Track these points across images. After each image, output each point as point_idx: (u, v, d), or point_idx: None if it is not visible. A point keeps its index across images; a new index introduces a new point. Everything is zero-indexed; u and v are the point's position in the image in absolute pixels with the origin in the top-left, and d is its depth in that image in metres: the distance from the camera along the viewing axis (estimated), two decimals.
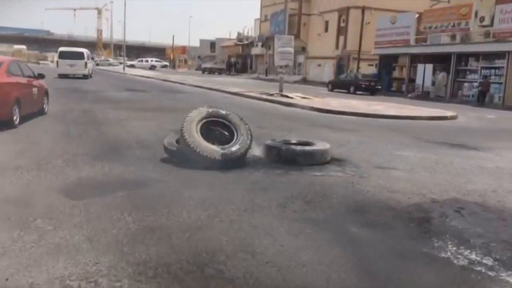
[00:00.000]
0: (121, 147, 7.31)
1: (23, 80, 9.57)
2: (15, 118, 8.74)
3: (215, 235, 3.75)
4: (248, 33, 64.76)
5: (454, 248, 3.64)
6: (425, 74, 29.36)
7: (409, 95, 28.93)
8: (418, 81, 29.94)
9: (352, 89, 29.78)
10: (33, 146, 7.23)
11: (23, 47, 78.49)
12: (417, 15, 31.59)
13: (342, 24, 41.39)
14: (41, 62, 61.65)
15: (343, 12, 40.96)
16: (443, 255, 3.51)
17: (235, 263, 3.24)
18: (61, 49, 31.16)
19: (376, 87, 29.93)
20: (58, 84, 21.92)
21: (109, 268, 3.08)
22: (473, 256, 3.50)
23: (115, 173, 5.72)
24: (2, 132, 8.22)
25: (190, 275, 3.03)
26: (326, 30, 43.86)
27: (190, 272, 3.07)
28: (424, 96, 27.90)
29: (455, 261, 3.41)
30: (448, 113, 16.42)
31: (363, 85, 29.73)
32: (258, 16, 59.45)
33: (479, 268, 3.29)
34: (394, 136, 10.70)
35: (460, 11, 26.61)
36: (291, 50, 22.10)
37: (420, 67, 29.99)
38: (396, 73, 33.38)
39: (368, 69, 36.90)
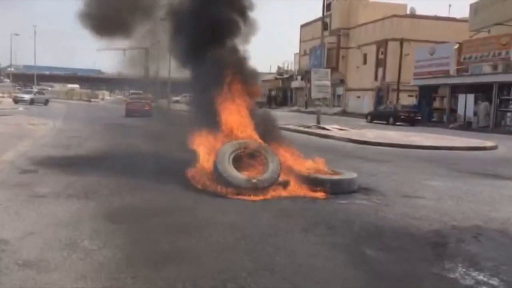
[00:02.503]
0: (161, 177, 7.84)
1: None
2: None
3: (240, 255, 4.13)
4: (288, 67, 65.97)
5: (464, 270, 3.85)
6: (466, 104, 28.95)
7: (451, 125, 28.52)
8: (460, 111, 29.52)
9: (391, 120, 29.73)
10: (80, 178, 7.88)
11: (76, 86, 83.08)
12: (456, 46, 31.47)
13: (381, 56, 41.67)
14: (92, 100, 64.95)
15: (382, 45, 41.31)
16: (451, 276, 3.73)
17: (255, 279, 3.59)
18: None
19: (416, 118, 29.73)
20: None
21: (144, 282, 3.51)
22: (480, 277, 3.70)
23: (155, 201, 6.23)
24: (52, 166, 9.00)
25: None
26: (365, 62, 44.22)
27: (213, 286, 3.45)
28: (466, 127, 27.44)
29: (461, 281, 3.62)
30: (488, 143, 16.21)
31: (402, 116, 29.62)
32: (298, 51, 60.65)
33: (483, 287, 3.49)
34: (427, 166, 10.78)
35: (500, 41, 26.36)
36: (328, 83, 22.56)
37: (461, 97, 29.63)
38: (436, 104, 33.05)
39: (408, 100, 36.75)
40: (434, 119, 32.05)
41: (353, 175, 7.23)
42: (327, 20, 45.61)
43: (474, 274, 3.77)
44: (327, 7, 45.19)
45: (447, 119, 30.53)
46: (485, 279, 3.67)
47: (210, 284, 3.48)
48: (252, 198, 6.30)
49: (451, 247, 4.48)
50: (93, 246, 4.31)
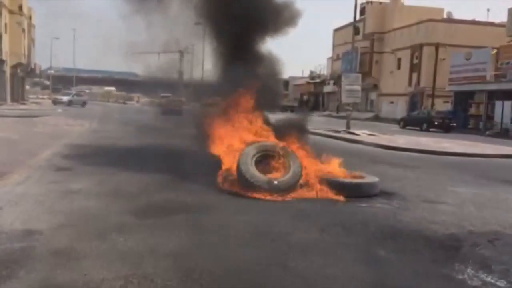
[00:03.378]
0: (187, 177, 8.13)
1: None
2: None
3: (256, 251, 4.33)
4: (320, 71, 65.83)
5: (473, 272, 3.93)
6: (503, 111, 28.21)
7: (487, 132, 27.85)
8: (497, 118, 28.81)
9: (424, 126, 29.24)
10: (111, 177, 8.26)
11: (113, 88, 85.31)
12: (494, 51, 30.72)
13: (415, 61, 41.07)
14: (127, 102, 66.59)
15: (416, 49, 40.73)
16: (460, 277, 3.82)
17: (268, 273, 3.79)
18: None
19: (451, 124, 29.14)
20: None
21: (164, 271, 3.76)
22: (488, 279, 3.77)
23: (180, 199, 6.51)
24: (86, 164, 9.45)
25: (229, 279, 3.63)
26: (399, 67, 43.68)
27: (229, 277, 3.67)
28: (503, 134, 26.73)
29: (469, 282, 3.71)
30: None
31: (436, 122, 29.09)
32: (330, 55, 60.43)
33: None
34: (456, 173, 10.68)
35: None
36: (358, 88, 22.51)
37: (498, 104, 28.91)
38: (472, 110, 32.31)
39: (443, 106, 36.07)
40: (469, 126, 31.37)
41: (375, 179, 7.31)
42: (361, 24, 45.43)
43: (483, 276, 3.84)
44: (361, 11, 45.09)
45: (483, 126, 29.82)
46: (492, 281, 3.74)
47: (224, 275, 3.69)
48: (273, 199, 6.49)
49: (464, 251, 4.54)
50: (119, 238, 4.61)
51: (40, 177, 7.74)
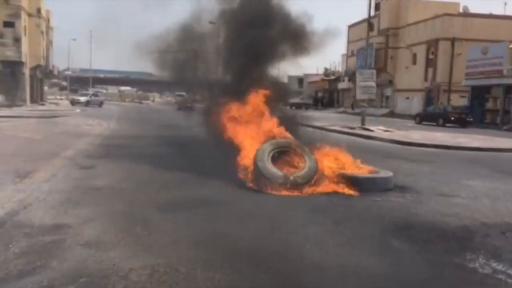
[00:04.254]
0: (205, 174, 8.36)
1: None
2: None
3: (273, 242, 4.53)
4: (335, 68, 65.64)
5: (484, 261, 4.07)
6: None
7: (504, 127, 27.57)
8: None
9: (440, 121, 29.08)
10: (133, 174, 8.55)
11: (128, 88, 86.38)
12: (511, 45, 30.35)
13: (431, 56, 40.74)
14: (143, 101, 67.32)
15: (432, 44, 40.38)
16: (471, 265, 3.97)
17: (285, 262, 3.99)
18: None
19: (467, 119, 28.94)
20: None
21: (187, 261, 3.98)
22: (499, 267, 3.91)
23: (199, 194, 6.75)
24: (108, 163, 9.76)
25: (248, 268, 3.84)
26: (414, 62, 43.34)
27: (247, 266, 3.88)
28: None
29: (480, 270, 3.86)
30: None
31: (452, 118, 28.92)
32: (345, 52, 60.21)
33: (500, 276, 3.72)
34: (470, 167, 10.73)
35: None
36: (373, 84, 22.52)
37: None
38: (489, 105, 32.00)
39: (460, 100, 35.78)
40: (486, 121, 31.07)
41: (389, 173, 7.45)
42: (376, 20, 45.21)
43: (494, 264, 3.98)
44: (376, 6, 44.85)
45: (500, 120, 29.52)
46: (503, 269, 3.87)
47: (244, 265, 3.90)
48: (289, 193, 6.69)
49: (477, 241, 4.67)
50: (143, 231, 4.85)
51: (65, 175, 8.05)
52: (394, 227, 5.19)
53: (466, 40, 36.41)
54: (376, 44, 46.23)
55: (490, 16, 40.09)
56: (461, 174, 9.40)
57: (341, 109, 52.72)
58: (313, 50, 10.20)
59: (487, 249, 4.40)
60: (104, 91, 74.97)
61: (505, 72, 29.84)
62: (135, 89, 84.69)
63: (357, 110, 44.94)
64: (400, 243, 4.60)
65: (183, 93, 34.36)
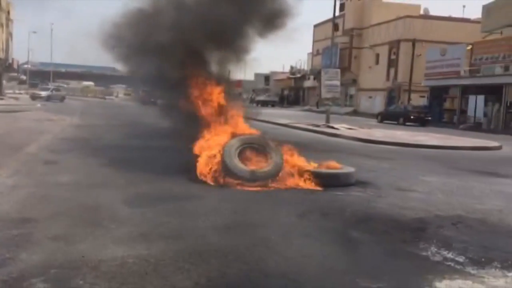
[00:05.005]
0: (172, 170, 8.43)
1: None
2: None
3: (240, 235, 4.71)
4: (301, 66, 66.39)
5: (436, 249, 4.38)
6: (476, 105, 29.17)
7: (461, 126, 28.75)
8: (470, 112, 29.77)
9: (401, 120, 30.02)
10: (99, 169, 8.52)
11: (91, 83, 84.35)
12: (468, 47, 31.63)
13: (393, 57, 41.91)
14: (107, 97, 65.99)
15: (394, 45, 41.54)
16: (423, 253, 4.27)
17: (252, 252, 4.16)
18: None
19: (426, 118, 29.98)
20: None
21: (157, 253, 4.09)
22: (449, 255, 4.22)
23: (167, 189, 6.84)
24: (72, 158, 9.67)
25: (216, 259, 3.99)
26: (377, 62, 44.47)
27: (216, 257, 4.03)
28: (476, 128, 27.65)
29: (431, 258, 4.16)
30: (492, 144, 16.55)
31: (412, 117, 29.89)
32: (311, 50, 61.00)
33: (449, 263, 4.02)
34: (428, 164, 11.23)
35: (510, 43, 26.51)
36: (338, 83, 23.05)
37: (471, 98, 29.86)
38: (447, 105, 33.29)
39: (419, 100, 36.98)
40: (444, 120, 32.31)
41: (351, 169, 7.76)
42: (341, 20, 46.06)
43: (444, 253, 4.29)
44: (341, 7, 45.66)
45: (457, 119, 30.76)
46: (452, 256, 4.19)
47: (212, 255, 4.05)
48: (256, 189, 6.87)
49: (430, 232, 5.00)
50: (112, 225, 4.92)
51: (28, 170, 7.95)
52: (354, 219, 5.47)
53: (426, 41, 37.66)
54: (341, 44, 47.12)
55: (449, 19, 41.58)
56: (419, 170, 9.85)
57: (306, 107, 53.41)
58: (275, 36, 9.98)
59: (439, 239, 4.72)
60: (66, 85, 73.00)
61: (462, 73, 31.11)
62: (93, 84, 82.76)
63: (322, 108, 45.61)
64: (360, 234, 4.87)
65: (147, 89, 34.33)
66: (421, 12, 44.68)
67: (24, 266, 3.70)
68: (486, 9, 31.20)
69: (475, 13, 43.09)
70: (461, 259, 4.14)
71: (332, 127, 21.04)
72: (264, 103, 57.85)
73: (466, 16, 44.89)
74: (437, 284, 3.59)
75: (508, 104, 26.95)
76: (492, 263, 4.07)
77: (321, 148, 13.71)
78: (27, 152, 10.06)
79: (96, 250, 4.12)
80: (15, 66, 55.31)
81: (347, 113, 41.58)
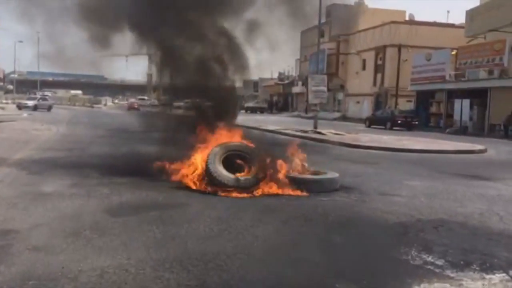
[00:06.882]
0: (157, 178, 8.40)
1: None
2: None
3: (223, 242, 4.70)
4: (289, 72, 66.65)
5: (416, 253, 4.42)
6: (462, 109, 29.50)
7: (447, 130, 29.04)
8: (456, 116, 30.06)
9: (388, 125, 30.27)
10: (83, 180, 8.45)
11: (79, 92, 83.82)
12: (454, 52, 32.04)
13: (379, 62, 42.29)
14: (94, 106, 65.60)
15: (380, 50, 41.94)
16: (404, 257, 4.30)
17: (233, 260, 4.16)
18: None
19: (413, 122, 30.27)
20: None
21: (137, 262, 4.08)
22: (429, 259, 4.27)
23: (150, 198, 6.81)
24: (57, 168, 9.59)
25: (197, 267, 3.98)
26: (364, 68, 44.84)
27: (196, 265, 4.03)
28: (462, 131, 27.94)
29: (411, 262, 4.20)
30: (477, 147, 16.74)
31: (399, 121, 30.18)
32: (299, 57, 61.29)
33: (429, 267, 4.07)
34: (413, 168, 11.33)
35: (493, 47, 26.92)
36: (324, 89, 23.17)
37: (457, 102, 30.19)
38: (433, 109, 33.63)
39: (406, 105, 37.33)
40: (431, 124, 32.63)
41: (335, 175, 7.80)
42: (328, 26, 46.43)
43: (424, 256, 4.33)
44: (328, 13, 46.00)
45: (443, 124, 31.06)
46: (432, 260, 4.23)
47: (193, 264, 4.05)
48: (241, 195, 6.88)
49: (411, 236, 5.05)
50: (93, 234, 4.89)
51: (12, 180, 7.88)
52: (337, 224, 5.50)
53: (412, 46, 38.07)
54: (328, 49, 47.49)
55: (434, 24, 42.11)
56: (403, 175, 9.93)
57: (295, 113, 53.59)
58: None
59: (419, 243, 4.77)
60: (52, 94, 72.41)
61: (447, 77, 31.49)
62: (81, 92, 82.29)
63: (310, 114, 45.88)
64: (342, 239, 4.89)
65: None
66: (407, 18, 45.24)
67: (1, 278, 3.66)
68: (470, 14, 31.70)
69: (459, 18, 43.75)
70: (440, 262, 4.18)
71: (320, 133, 21.14)
72: (253, 110, 57.91)
73: (450, 21, 45.64)
74: (415, 287, 3.62)
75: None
76: (471, 266, 4.13)
77: (307, 154, 13.72)
78: (11, 162, 9.95)
79: (76, 261, 4.09)
80: (1, 75, 54.80)
81: (335, 119, 41.82)
